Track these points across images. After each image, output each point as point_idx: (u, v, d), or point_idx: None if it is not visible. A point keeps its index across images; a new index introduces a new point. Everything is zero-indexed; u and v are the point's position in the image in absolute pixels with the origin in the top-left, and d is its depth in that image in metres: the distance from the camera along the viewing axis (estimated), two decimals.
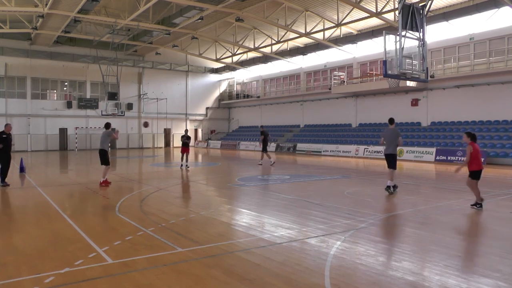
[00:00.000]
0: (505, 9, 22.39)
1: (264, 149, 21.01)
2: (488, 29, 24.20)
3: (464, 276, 4.87)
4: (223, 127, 48.86)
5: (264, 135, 21.03)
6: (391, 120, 11.58)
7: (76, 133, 37.75)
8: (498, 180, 15.02)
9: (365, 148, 27.49)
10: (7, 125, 13.20)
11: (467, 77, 24.95)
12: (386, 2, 23.94)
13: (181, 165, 19.26)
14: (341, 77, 33.21)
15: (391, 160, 11.34)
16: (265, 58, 38.95)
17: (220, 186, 13.55)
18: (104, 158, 13.10)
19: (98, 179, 15.26)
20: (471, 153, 8.92)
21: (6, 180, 13.06)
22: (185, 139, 19.12)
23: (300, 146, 32.54)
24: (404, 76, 14.80)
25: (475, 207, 9.00)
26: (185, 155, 19.06)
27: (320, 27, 29.49)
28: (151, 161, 24.73)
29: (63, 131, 38.30)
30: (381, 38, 19.90)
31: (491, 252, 5.80)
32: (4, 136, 12.86)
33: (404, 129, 28.22)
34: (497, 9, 22.61)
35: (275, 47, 36.47)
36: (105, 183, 12.96)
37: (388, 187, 11.11)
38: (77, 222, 7.80)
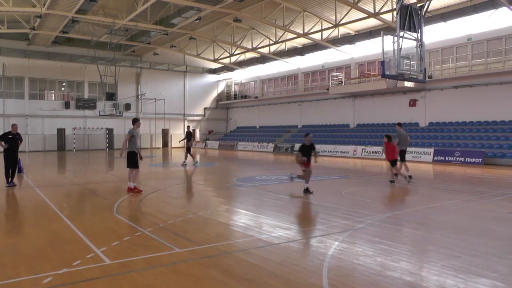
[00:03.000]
0: (503, 10, 22.45)
1: (189, 150, 21.12)
2: (486, 29, 24.25)
3: (462, 276, 4.88)
4: (221, 127, 48.84)
5: (191, 136, 21.44)
6: (400, 124, 14.94)
7: (74, 134, 37.67)
8: (496, 180, 15.06)
9: (363, 149, 27.51)
10: (13, 125, 13.15)
11: (465, 77, 25.01)
12: (384, 2, 23.98)
13: (290, 175, 12.80)
14: (339, 77, 33.24)
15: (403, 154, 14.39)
16: (263, 59, 38.97)
17: (218, 187, 13.56)
18: (130, 161, 11.66)
19: (95, 179, 15.27)
20: (390, 148, 13.38)
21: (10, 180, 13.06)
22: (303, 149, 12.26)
23: (298, 146, 32.50)
24: (402, 77, 14.85)
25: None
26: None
27: (318, 27, 29.52)
28: (149, 161, 24.70)
29: (61, 132, 38.21)
30: (379, 39, 19.94)
31: (489, 252, 5.82)
32: (10, 136, 12.84)
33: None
34: (495, 10, 22.66)
35: (273, 48, 36.49)
36: (135, 190, 11.49)
37: (405, 177, 13.35)
38: (75, 222, 7.79)
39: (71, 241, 6.50)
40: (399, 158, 14.05)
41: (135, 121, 12.02)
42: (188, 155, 20.93)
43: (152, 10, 28.36)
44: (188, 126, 22.70)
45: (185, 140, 21.13)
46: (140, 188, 11.91)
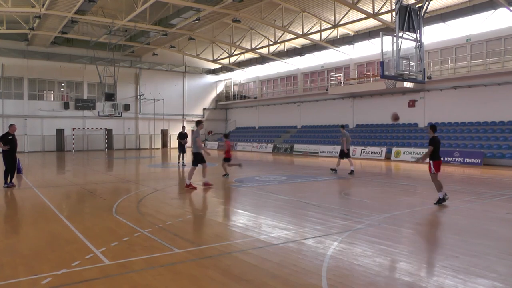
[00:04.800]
0: (502, 11, 22.46)
1: (184, 151, 21.57)
2: (485, 30, 24.28)
3: (461, 276, 4.88)
4: (220, 128, 48.83)
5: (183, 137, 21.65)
6: (343, 126, 17.45)
7: (73, 134, 37.65)
8: (495, 180, 15.07)
9: (362, 149, 27.53)
10: (11, 126, 13.07)
11: (464, 78, 25.03)
12: (383, 3, 24.00)
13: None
14: (338, 78, 33.26)
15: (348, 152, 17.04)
16: (262, 59, 38.97)
17: (217, 187, 13.54)
18: (197, 159, 12.43)
19: (94, 180, 15.26)
20: (227, 147, 15.53)
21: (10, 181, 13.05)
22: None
23: (297, 147, 32.56)
24: (401, 77, 14.83)
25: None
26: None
27: (317, 28, 29.54)
28: (148, 162, 24.69)
29: (60, 132, 38.18)
30: (378, 39, 19.92)
31: (488, 253, 5.82)
32: (9, 137, 12.84)
33: (401, 130, 28.32)
34: (493, 10, 22.67)
35: (272, 48, 36.49)
36: (190, 187, 12.35)
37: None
38: (74, 223, 7.78)
39: (70, 241, 6.49)
40: (345, 155, 16.86)
41: (199, 122, 12.61)
42: (183, 154, 21.49)
43: (151, 11, 28.36)
44: (183, 127, 22.91)
45: (179, 140, 21.56)
46: (192, 186, 12.41)
